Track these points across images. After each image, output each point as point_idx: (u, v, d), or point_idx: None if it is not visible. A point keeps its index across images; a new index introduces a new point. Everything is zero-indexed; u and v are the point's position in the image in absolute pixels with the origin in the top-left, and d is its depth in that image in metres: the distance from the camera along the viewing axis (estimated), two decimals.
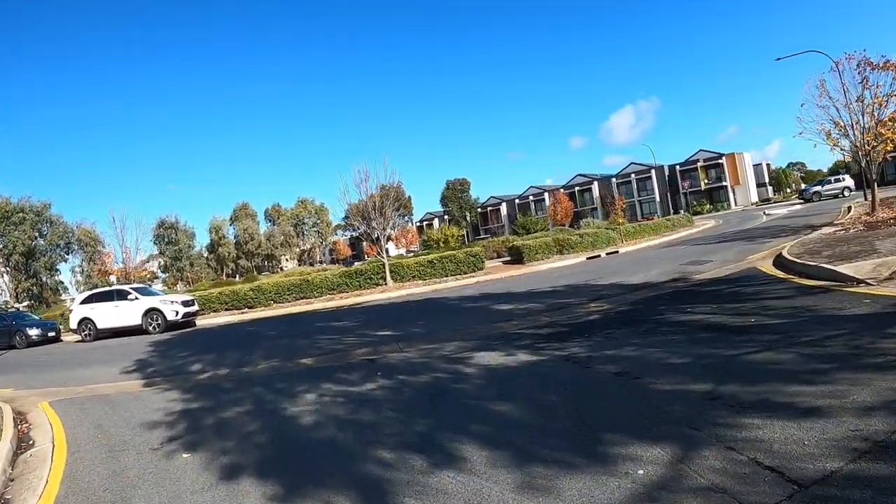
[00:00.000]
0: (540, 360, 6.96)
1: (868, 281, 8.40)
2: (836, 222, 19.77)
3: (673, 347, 6.55)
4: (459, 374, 6.87)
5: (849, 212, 25.09)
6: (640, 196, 77.38)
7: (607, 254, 27.79)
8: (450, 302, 16.07)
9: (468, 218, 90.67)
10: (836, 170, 68.73)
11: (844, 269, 9.40)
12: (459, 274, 25.66)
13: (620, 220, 33.40)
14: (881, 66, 18.76)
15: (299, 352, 10.52)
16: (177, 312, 19.64)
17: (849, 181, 47.53)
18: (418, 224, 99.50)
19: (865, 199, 30.66)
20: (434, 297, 18.78)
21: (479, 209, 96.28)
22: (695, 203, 71.32)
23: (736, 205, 70.29)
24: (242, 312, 24.38)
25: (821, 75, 20.98)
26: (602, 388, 5.52)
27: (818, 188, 48.68)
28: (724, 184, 71.67)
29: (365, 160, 33.99)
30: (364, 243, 45.96)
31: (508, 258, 30.66)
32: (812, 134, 22.15)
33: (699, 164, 73.59)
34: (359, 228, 29.40)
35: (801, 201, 47.93)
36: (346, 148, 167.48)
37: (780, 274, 10.95)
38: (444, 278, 25.29)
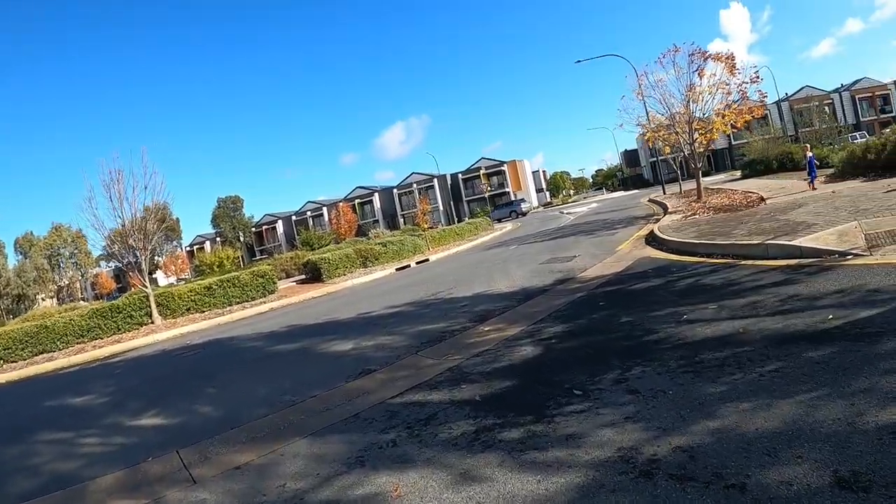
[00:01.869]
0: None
1: (857, 252, 6.99)
2: (673, 210, 19.11)
3: (794, 395, 3.43)
4: None
5: (659, 204, 25.84)
6: (417, 210, 77.29)
7: (417, 262, 24.67)
8: (249, 345, 10.85)
9: (242, 238, 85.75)
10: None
11: (811, 242, 7.93)
12: (247, 300, 20.05)
13: (425, 226, 30.43)
14: (714, 57, 19.30)
15: None
16: None
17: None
18: (188, 249, 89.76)
19: (663, 192, 32.51)
20: (222, 337, 13.17)
21: (253, 228, 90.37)
22: (479, 210, 73.37)
23: None
24: None
25: (640, 73, 21.74)
26: None
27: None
28: (506, 190, 75.24)
29: (118, 154, 25.54)
30: (130, 274, 36.58)
31: (304, 277, 25.60)
32: (630, 126, 23.94)
33: (482, 171, 76.27)
34: (124, 257, 21.64)
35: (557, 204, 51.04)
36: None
37: (702, 259, 9.35)
38: (229, 308, 19.48)
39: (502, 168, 75.66)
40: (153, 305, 18.54)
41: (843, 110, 53.71)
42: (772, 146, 33.78)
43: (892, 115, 62.43)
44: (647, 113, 22.99)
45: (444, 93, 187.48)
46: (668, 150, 24.03)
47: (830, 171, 21.30)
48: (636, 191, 59.19)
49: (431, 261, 24.51)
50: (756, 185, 23.26)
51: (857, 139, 37.06)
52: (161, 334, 16.64)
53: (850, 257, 6.89)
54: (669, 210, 19.84)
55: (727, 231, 11.09)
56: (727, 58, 19.05)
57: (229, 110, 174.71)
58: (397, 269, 23.33)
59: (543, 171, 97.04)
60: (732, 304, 5.99)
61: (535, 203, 79.77)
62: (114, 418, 7.04)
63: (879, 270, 5.92)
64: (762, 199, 16.02)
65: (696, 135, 20.03)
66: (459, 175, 78.42)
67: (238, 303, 19.89)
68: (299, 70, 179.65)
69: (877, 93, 64.39)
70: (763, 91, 19.41)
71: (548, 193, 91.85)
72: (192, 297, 19.49)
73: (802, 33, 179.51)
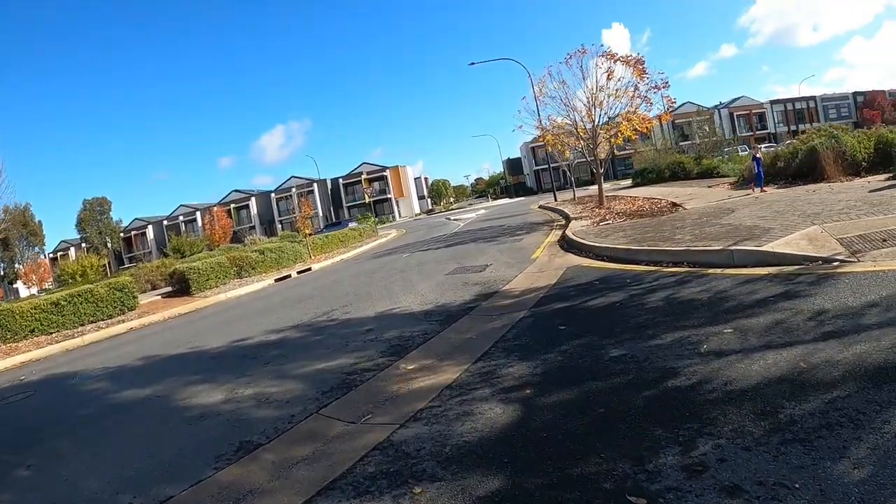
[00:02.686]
0: None
1: (842, 258, 6.24)
2: (576, 217, 18.35)
3: None
4: None
5: (555, 211, 25.39)
6: (300, 211, 73.61)
7: (299, 272, 22.10)
8: (91, 388, 7.70)
9: (110, 244, 77.39)
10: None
11: (785, 248, 7.11)
12: (102, 318, 16.42)
13: (308, 232, 27.80)
14: (623, 60, 18.81)
15: None
16: None
17: None
18: (52, 255, 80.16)
19: (555, 199, 32.30)
20: (64, 372, 9.60)
21: (122, 233, 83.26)
22: (359, 216, 70.78)
23: (400, 216, 72.79)
24: None
25: (542, 75, 21.28)
26: None
27: None
28: (388, 196, 73.66)
29: None
30: None
31: (170, 289, 21.97)
32: (530, 128, 23.67)
33: (363, 176, 74.01)
34: None
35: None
36: None
37: (650, 267, 8.30)
38: (81, 328, 15.77)
39: (385, 173, 73.89)
40: None
41: (722, 126, 57.74)
42: (662, 156, 34.95)
43: (767, 131, 69.09)
44: (539, 116, 22.51)
45: (326, 97, 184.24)
46: (567, 154, 23.46)
47: (731, 179, 21.89)
48: (522, 198, 59.87)
49: (315, 270, 21.97)
50: (654, 192, 23.36)
51: (745, 151, 39.66)
52: None
53: (835, 264, 6.01)
54: (572, 216, 18.99)
55: (664, 237, 10.07)
56: (636, 61, 18.61)
57: (100, 107, 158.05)
58: (276, 280, 20.61)
59: (425, 178, 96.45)
60: (751, 325, 4.57)
61: (417, 209, 78.80)
62: None
63: (893, 277, 5.12)
64: (675, 205, 15.63)
65: (599, 138, 19.52)
66: (340, 180, 75.60)
67: (92, 321, 16.19)
68: (175, 68, 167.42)
69: (753, 111, 71.32)
70: (671, 97, 19.17)
71: (429, 200, 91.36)
72: (37, 316, 15.50)
73: (679, 55, 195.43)
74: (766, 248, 7.10)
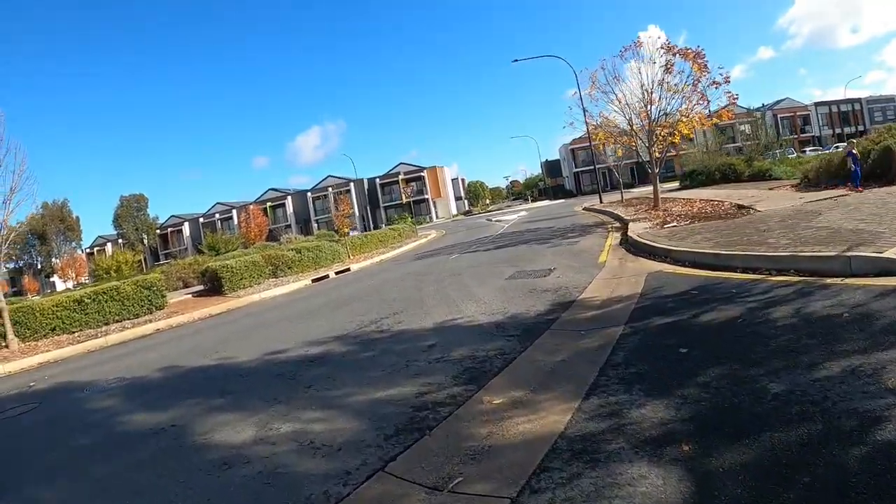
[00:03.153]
0: None
1: None
2: (631, 219, 17.02)
3: None
4: None
5: (604, 213, 24.28)
6: (338, 210, 73.22)
7: (337, 272, 21.06)
8: (99, 406, 6.65)
9: (146, 241, 79.53)
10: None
11: None
12: (128, 318, 15.70)
13: (346, 230, 26.85)
14: (682, 53, 17.40)
15: None
16: None
17: None
18: (88, 251, 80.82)
19: (600, 201, 30.85)
20: (75, 382, 8.64)
21: (158, 230, 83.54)
22: (396, 217, 70.05)
23: (438, 217, 71.61)
24: None
25: (595, 69, 20.02)
26: None
27: None
28: (425, 197, 72.57)
29: None
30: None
31: (202, 287, 21.22)
32: (581, 125, 22.73)
33: (400, 176, 73.12)
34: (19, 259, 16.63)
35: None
36: None
37: (747, 275, 7.16)
38: (106, 327, 15.06)
39: (422, 174, 72.94)
40: (7, 325, 13.67)
41: (766, 128, 55.47)
42: (712, 158, 33.32)
43: (811, 134, 66.30)
44: (585, 113, 21.19)
45: (362, 98, 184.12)
46: (619, 152, 22.07)
47: (792, 181, 20.61)
48: (562, 200, 58.17)
49: (354, 271, 20.95)
50: (709, 194, 21.79)
51: (792, 154, 38.21)
52: (13, 363, 11.86)
53: None
54: (626, 218, 17.58)
55: (753, 241, 8.85)
56: (696, 54, 17.09)
57: (137, 107, 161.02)
58: (314, 281, 19.64)
59: (462, 179, 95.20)
60: None
61: (454, 211, 77.70)
62: None
63: None
64: (742, 208, 14.21)
65: (657, 136, 18.14)
66: (377, 180, 74.94)
67: (118, 320, 15.44)
68: (210, 69, 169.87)
69: (798, 113, 68.41)
70: (733, 93, 17.51)
71: (467, 202, 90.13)
72: (59, 314, 14.78)
73: (716, 58, 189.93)
74: (887, 254, 6.04)
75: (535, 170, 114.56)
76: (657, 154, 18.95)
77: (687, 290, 6.84)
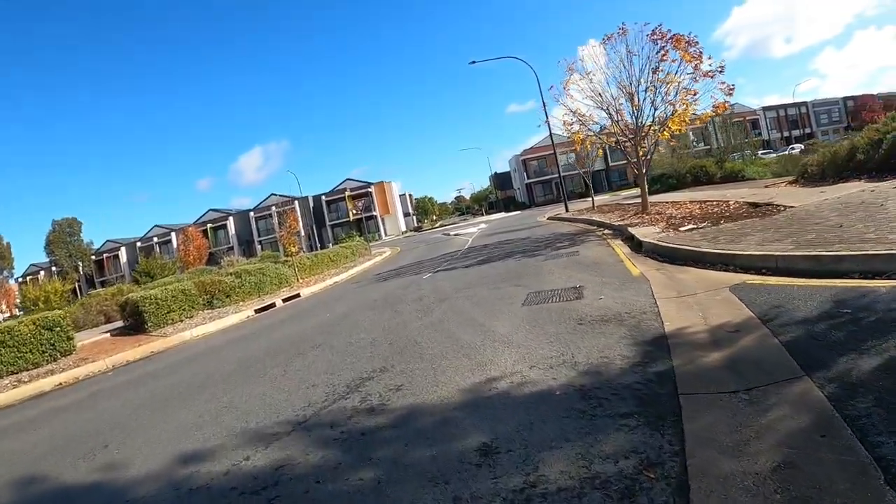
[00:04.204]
0: None
1: None
2: (626, 225, 14.95)
3: None
4: None
5: (575, 220, 22.55)
6: (285, 227, 69.51)
7: (286, 299, 18.02)
8: None
9: (81, 268, 75.10)
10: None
11: None
12: (22, 369, 12.20)
13: (294, 250, 23.72)
14: (675, 40, 15.51)
15: None
16: None
17: None
18: (21, 280, 76.09)
19: (566, 210, 29.10)
20: None
21: (93, 256, 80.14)
22: (343, 235, 66.80)
23: (387, 234, 68.72)
24: None
25: (572, 61, 18.55)
26: None
27: None
28: (374, 213, 69.71)
29: None
30: None
31: (123, 324, 17.51)
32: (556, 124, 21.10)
33: (347, 193, 69.94)
34: None
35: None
36: None
37: (864, 283, 5.13)
38: None
39: (369, 190, 69.99)
40: None
41: (734, 129, 55.76)
42: (681, 160, 32.30)
43: (761, 138, 68.52)
44: (546, 112, 18.99)
45: (304, 118, 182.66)
46: (599, 152, 20.12)
47: (789, 178, 19.56)
48: (517, 212, 56.21)
49: (306, 297, 17.85)
50: (689, 196, 20.47)
51: (770, 154, 39.32)
52: None
53: None
54: (621, 224, 15.50)
55: (829, 239, 7.02)
56: (687, 42, 15.15)
57: (76, 128, 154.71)
58: (257, 311, 16.41)
59: (410, 195, 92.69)
60: None
61: (403, 227, 75.16)
62: None
63: None
64: (757, 206, 12.47)
65: (644, 133, 16.29)
66: (323, 197, 71.51)
67: (12, 372, 11.92)
68: (152, 88, 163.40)
69: (747, 117, 69.62)
70: (729, 84, 15.59)
71: (415, 218, 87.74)
72: None
73: None
74: None
75: (483, 184, 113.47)
76: (641, 153, 17.01)
77: (830, 310, 4.63)
